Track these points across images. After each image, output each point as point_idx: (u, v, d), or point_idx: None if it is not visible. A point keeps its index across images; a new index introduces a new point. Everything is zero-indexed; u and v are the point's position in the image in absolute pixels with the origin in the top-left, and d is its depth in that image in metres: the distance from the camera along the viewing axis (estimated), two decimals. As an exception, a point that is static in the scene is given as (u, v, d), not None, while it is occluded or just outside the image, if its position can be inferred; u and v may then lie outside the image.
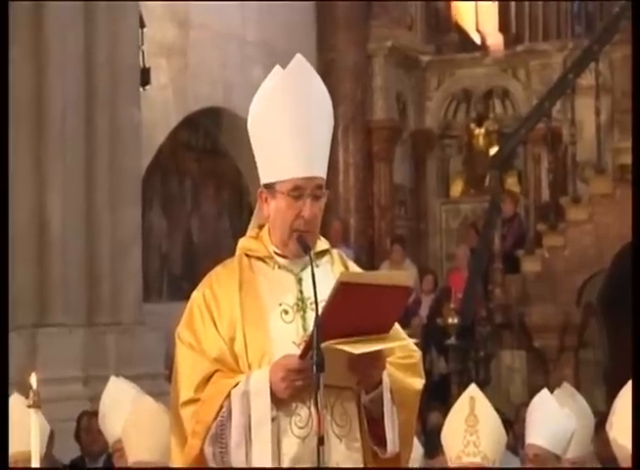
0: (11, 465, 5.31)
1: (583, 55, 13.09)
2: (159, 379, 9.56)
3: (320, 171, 3.71)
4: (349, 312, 3.47)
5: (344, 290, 3.47)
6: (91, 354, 9.99)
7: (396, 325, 3.71)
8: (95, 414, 6.58)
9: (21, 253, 9.84)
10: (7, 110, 9.27)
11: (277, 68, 3.80)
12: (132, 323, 10.50)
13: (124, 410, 5.36)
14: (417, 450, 5.11)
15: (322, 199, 3.72)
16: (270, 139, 3.71)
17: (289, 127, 3.68)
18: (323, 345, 3.44)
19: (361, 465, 3.65)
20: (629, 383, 4.80)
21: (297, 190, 3.66)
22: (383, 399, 3.61)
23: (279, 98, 3.71)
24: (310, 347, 3.47)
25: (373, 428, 3.65)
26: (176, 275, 12.84)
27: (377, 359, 3.56)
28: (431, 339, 12.31)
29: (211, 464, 3.59)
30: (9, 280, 8.97)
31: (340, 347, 3.47)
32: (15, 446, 5.22)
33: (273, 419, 3.55)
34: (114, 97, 10.45)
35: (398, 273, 4.22)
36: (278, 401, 3.55)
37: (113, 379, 6.08)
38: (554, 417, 5.21)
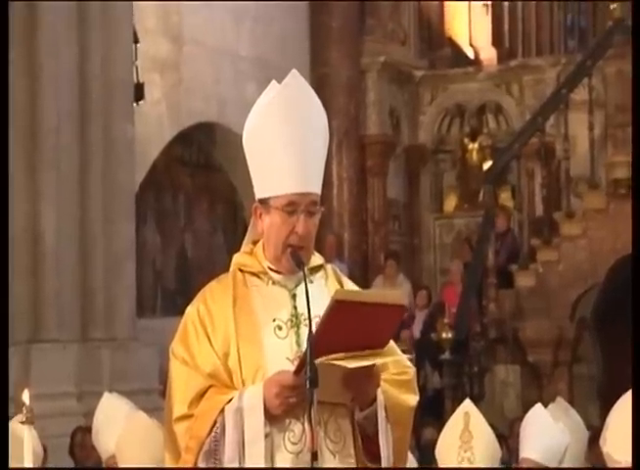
0: None
1: (576, 70, 13.12)
2: (153, 394, 9.55)
3: (315, 187, 3.71)
4: (344, 330, 3.46)
5: (339, 308, 3.46)
6: (85, 370, 9.98)
7: (391, 342, 3.71)
8: (89, 430, 6.56)
9: (15, 267, 9.80)
10: (7, 113, 9.25)
11: (273, 83, 3.79)
12: (126, 339, 10.49)
13: (118, 426, 5.36)
14: (411, 466, 5.11)
15: (316, 215, 3.71)
16: (265, 154, 3.70)
17: (284, 142, 3.67)
18: (317, 360, 3.44)
19: (356, 484, 3.65)
20: (623, 398, 4.80)
21: (292, 205, 3.65)
22: (377, 416, 3.61)
23: (275, 113, 3.71)
24: (304, 363, 3.46)
25: (367, 445, 3.65)
26: (170, 290, 12.83)
27: (371, 376, 3.56)
28: (424, 354, 12.30)
29: (205, 479, 3.59)
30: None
31: (333, 362, 3.47)
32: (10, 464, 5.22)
33: (267, 435, 3.54)
34: (107, 112, 10.45)
35: (393, 292, 4.21)
36: (271, 418, 3.54)
37: (106, 395, 6.07)
38: (548, 431, 5.21)
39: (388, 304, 3.62)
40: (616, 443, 4.61)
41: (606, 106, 12.79)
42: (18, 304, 9.82)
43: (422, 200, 16.28)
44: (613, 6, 13.32)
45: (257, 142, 3.74)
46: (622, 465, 4.49)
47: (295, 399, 3.51)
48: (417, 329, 13.25)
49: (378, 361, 3.55)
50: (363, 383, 3.55)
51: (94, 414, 6.08)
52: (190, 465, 3.57)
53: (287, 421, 3.57)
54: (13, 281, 9.69)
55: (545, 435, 5.20)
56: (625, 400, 4.76)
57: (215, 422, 3.55)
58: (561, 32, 16.38)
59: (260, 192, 3.74)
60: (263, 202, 3.72)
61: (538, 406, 5.55)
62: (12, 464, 5.12)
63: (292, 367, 3.55)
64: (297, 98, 3.73)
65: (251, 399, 3.54)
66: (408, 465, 4.34)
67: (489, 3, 16.70)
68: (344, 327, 3.46)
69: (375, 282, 13.91)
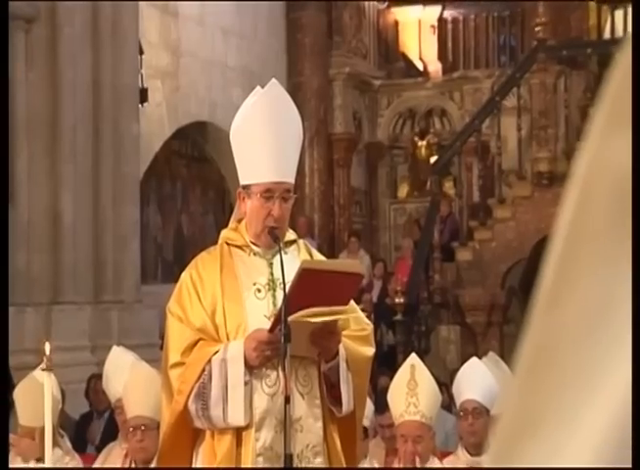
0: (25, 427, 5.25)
1: (507, 81, 13.13)
2: (154, 348, 9.51)
3: (289, 177, 3.71)
4: (310, 294, 3.46)
5: (306, 275, 3.47)
6: (97, 327, 9.97)
7: (352, 303, 3.71)
8: (101, 377, 6.54)
9: (38, 243, 9.82)
10: (7, 112, 9.08)
11: (257, 88, 3.80)
12: (132, 301, 10.48)
13: (124, 374, 5.33)
14: (369, 408, 5.12)
15: (290, 200, 3.72)
16: (248, 148, 3.70)
17: (264, 139, 3.67)
18: (289, 318, 3.44)
19: (320, 418, 3.64)
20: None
21: (269, 192, 3.65)
22: (339, 367, 3.61)
23: (256, 114, 3.71)
24: (279, 321, 3.46)
25: (331, 391, 3.65)
26: (169, 261, 12.80)
27: (333, 333, 3.55)
28: (380, 316, 12.31)
29: (194, 418, 3.58)
30: (26, 266, 8.87)
31: (303, 320, 3.47)
32: (25, 417, 5.19)
33: (246, 382, 3.54)
34: (116, 112, 10.42)
35: (352, 262, 4.20)
36: (250, 367, 3.54)
37: (115, 348, 6.04)
38: (483, 379, 5.22)
39: (347, 271, 3.64)
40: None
41: (531, 111, 12.81)
42: (40, 272, 9.81)
43: (379, 188, 16.30)
44: (537, 28, 13.32)
45: (242, 138, 3.74)
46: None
47: (269, 352, 3.51)
48: (375, 294, 13.28)
49: (340, 317, 3.56)
50: (327, 339, 3.55)
51: (104, 364, 6.06)
52: (181, 405, 3.56)
53: (264, 369, 3.56)
54: (34, 253, 9.72)
55: (481, 381, 5.20)
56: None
57: (204, 370, 3.55)
58: (495, 50, 16.41)
59: (243, 179, 3.74)
60: (246, 187, 3.72)
61: (474, 359, 5.55)
62: (34, 408, 5.08)
63: (268, 324, 3.54)
64: (275, 102, 3.74)
65: (234, 352, 3.54)
66: (366, 407, 4.35)
67: (436, 24, 16.69)
68: (311, 291, 3.45)
69: (340, 256, 13.91)
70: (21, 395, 5.32)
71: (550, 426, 0.45)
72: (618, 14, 15.08)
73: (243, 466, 3.54)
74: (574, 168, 0.48)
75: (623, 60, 0.49)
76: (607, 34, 15.00)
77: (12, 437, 5.21)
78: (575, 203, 0.47)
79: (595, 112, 0.48)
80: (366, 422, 4.89)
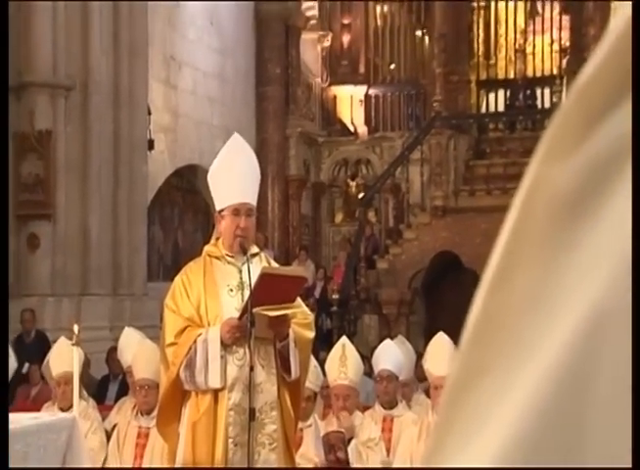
0: (57, 380, 5.16)
1: (414, 140, 13.22)
2: (155, 329, 9.38)
3: (251, 199, 3.70)
4: (268, 292, 3.44)
5: (265, 278, 3.45)
6: (114, 313, 9.86)
7: (298, 299, 3.69)
8: (116, 349, 6.46)
9: (72, 251, 9.69)
10: (7, 114, 8.69)
11: (227, 142, 3.81)
12: (140, 294, 10.37)
13: (133, 348, 5.27)
14: (313, 375, 5.08)
15: (253, 217, 3.71)
16: (220, 182, 3.69)
17: (231, 175, 3.67)
18: (254, 310, 3.41)
19: (275, 383, 3.60)
20: (436, 336, 4.80)
21: (236, 211, 3.64)
22: (289, 345, 3.59)
23: (225, 159, 3.71)
24: (246, 312, 3.44)
25: (283, 362, 3.62)
26: (168, 265, 12.66)
27: (285, 321, 3.54)
28: (321, 308, 12.30)
29: (184, 383, 3.53)
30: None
31: (263, 312, 3.44)
32: (58, 369, 5.11)
33: (222, 357, 3.50)
34: (131, 157, 10.35)
35: (299, 269, 4.17)
36: (225, 346, 3.51)
37: (127, 328, 5.97)
38: (395, 354, 5.23)
39: (295, 276, 3.66)
40: (432, 363, 4.62)
41: (430, 162, 12.90)
42: (74, 272, 9.65)
43: (322, 215, 16.28)
44: (435, 104, 13.43)
45: (216, 176, 3.73)
46: (436, 375, 4.46)
47: (239, 334, 3.48)
48: (317, 292, 13.24)
49: (289, 311, 3.54)
50: (280, 325, 3.53)
51: (119, 340, 5.98)
52: (174, 373, 3.52)
53: (234, 347, 3.53)
54: (68, 258, 9.59)
55: (392, 356, 5.21)
56: (438, 337, 4.76)
57: (191, 348, 3.51)
58: (405, 118, 16.49)
59: (218, 205, 3.72)
60: (220, 212, 3.70)
61: (387, 340, 5.56)
62: (62, 363, 5.00)
63: (238, 314, 3.51)
64: (239, 150, 3.75)
65: (213, 335, 3.51)
66: (313, 375, 4.32)
67: (363, 99, 16.76)
68: (269, 290, 3.44)
69: (293, 264, 13.86)
70: (54, 353, 5.25)
71: (488, 382, 0.43)
72: (492, 96, 15.35)
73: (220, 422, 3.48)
74: (520, 185, 0.46)
75: (563, 104, 0.47)
76: (483, 109, 15.25)
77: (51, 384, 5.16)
78: (519, 211, 0.45)
79: (538, 145, 0.47)
80: (316, 388, 4.83)
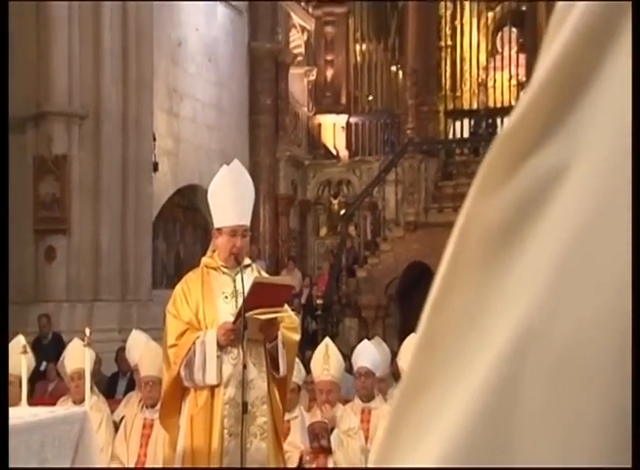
0: (71, 376, 5.13)
1: (389, 164, 13.24)
2: (159, 331, 9.35)
3: (246, 221, 3.69)
4: (259, 298, 3.44)
5: (257, 286, 3.45)
6: (123, 317, 9.80)
7: (286, 306, 3.68)
8: (125, 349, 6.41)
9: (85, 261, 9.63)
10: (7, 111, 8.46)
11: (224, 166, 3.79)
12: (146, 300, 10.31)
13: (140, 348, 5.24)
14: (296, 372, 5.07)
15: (247, 237, 3.70)
16: (221, 203, 3.67)
17: (228, 197, 3.65)
18: (246, 314, 3.41)
19: (266, 380, 3.59)
20: (409, 337, 4.81)
21: (233, 232, 3.63)
22: (278, 346, 3.59)
23: (225, 181, 3.68)
24: (239, 317, 3.44)
25: (272, 361, 3.62)
26: (171, 274, 12.58)
27: (274, 325, 3.54)
28: (307, 312, 12.28)
29: (184, 380, 3.52)
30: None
31: (255, 316, 3.45)
32: (72, 366, 5.08)
33: (218, 356, 3.50)
34: (137, 178, 10.32)
35: (287, 278, 4.17)
36: (221, 347, 3.50)
37: (134, 331, 5.93)
38: (373, 353, 5.22)
39: (283, 284, 3.66)
40: (405, 361, 4.62)
41: (404, 183, 12.93)
42: (86, 280, 9.60)
43: (308, 229, 16.27)
44: (408, 131, 13.48)
45: (215, 197, 3.71)
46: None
47: (233, 336, 3.48)
48: (304, 298, 13.21)
49: (278, 315, 3.54)
50: (270, 328, 3.53)
51: (127, 341, 5.95)
52: (175, 371, 3.50)
53: (229, 348, 3.52)
54: (81, 268, 9.53)
55: (370, 355, 5.20)
56: (411, 338, 4.76)
57: (190, 349, 3.50)
58: (381, 143, 16.53)
59: (217, 223, 3.71)
60: (218, 229, 3.69)
61: (366, 341, 5.55)
62: (75, 360, 4.96)
63: (232, 319, 3.51)
64: (236, 174, 3.72)
65: (210, 337, 3.51)
66: (298, 372, 4.31)
67: (345, 126, 16.81)
68: (260, 297, 3.43)
69: (282, 273, 13.83)
70: (69, 353, 5.22)
71: (431, 394, 0.43)
72: (458, 124, 15.44)
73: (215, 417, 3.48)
74: (458, 217, 0.46)
75: (492, 146, 0.47)
76: (450, 136, 15.34)
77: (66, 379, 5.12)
78: (457, 239, 0.46)
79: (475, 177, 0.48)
80: (299, 381, 4.83)
